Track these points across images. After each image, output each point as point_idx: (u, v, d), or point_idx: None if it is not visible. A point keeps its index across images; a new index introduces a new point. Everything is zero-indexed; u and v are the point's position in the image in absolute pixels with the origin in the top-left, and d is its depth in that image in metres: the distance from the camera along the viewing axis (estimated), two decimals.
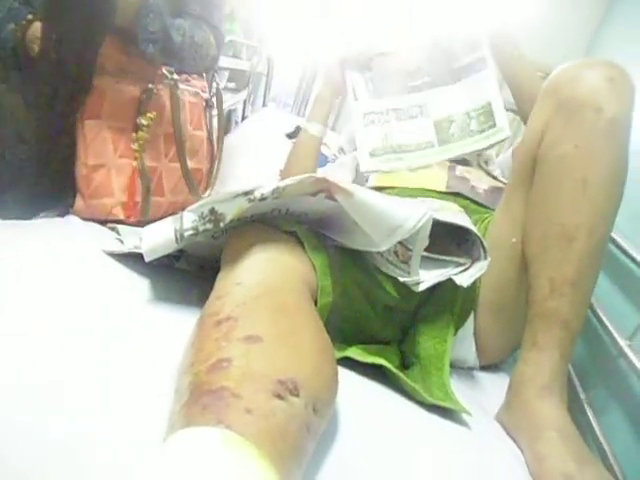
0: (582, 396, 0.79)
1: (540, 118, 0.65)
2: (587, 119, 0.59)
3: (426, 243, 0.58)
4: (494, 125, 0.88)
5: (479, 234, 0.63)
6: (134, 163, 0.92)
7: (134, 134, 0.91)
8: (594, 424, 0.74)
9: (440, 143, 0.92)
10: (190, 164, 1.02)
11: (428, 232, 0.57)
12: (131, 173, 0.91)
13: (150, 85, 0.89)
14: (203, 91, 1.09)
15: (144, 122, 0.91)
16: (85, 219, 0.87)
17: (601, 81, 0.59)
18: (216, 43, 1.04)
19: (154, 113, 0.92)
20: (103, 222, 0.88)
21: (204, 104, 1.09)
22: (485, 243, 0.64)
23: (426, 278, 0.64)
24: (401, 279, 0.62)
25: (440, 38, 0.94)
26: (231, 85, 1.80)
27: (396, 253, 0.61)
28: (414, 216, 0.54)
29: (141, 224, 0.91)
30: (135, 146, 0.91)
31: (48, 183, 0.86)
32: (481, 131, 0.89)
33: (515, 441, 0.58)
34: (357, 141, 0.96)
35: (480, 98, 0.89)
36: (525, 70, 0.91)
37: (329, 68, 1.02)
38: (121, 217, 0.89)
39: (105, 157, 0.88)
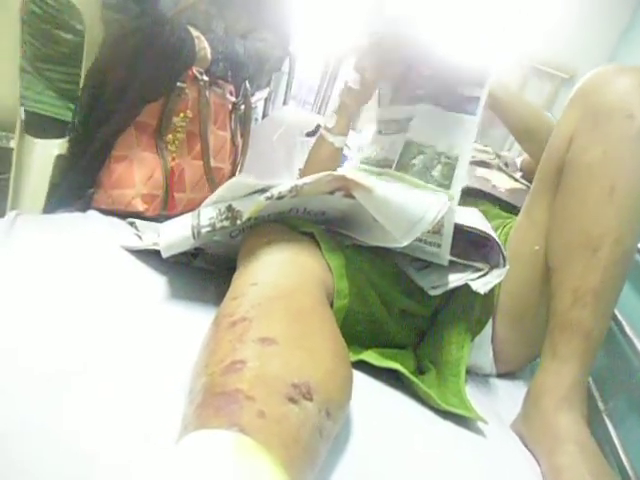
0: (601, 407, 0.78)
1: (568, 124, 0.64)
2: (617, 126, 0.58)
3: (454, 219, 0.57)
4: (448, 187, 0.75)
5: (499, 240, 0.62)
6: (170, 163, 0.93)
7: (170, 135, 0.92)
8: (613, 436, 0.72)
9: (397, 166, 0.82)
10: (212, 163, 1.04)
11: (453, 217, 0.56)
12: (154, 166, 0.92)
13: (179, 84, 0.90)
14: (231, 94, 1.10)
15: (182, 123, 0.93)
16: (104, 210, 0.88)
17: (633, 87, 0.58)
18: (281, 44, 1.12)
19: (188, 112, 0.93)
20: (122, 216, 0.89)
21: (230, 107, 1.10)
22: (504, 250, 0.62)
23: (443, 282, 0.63)
24: (429, 256, 0.62)
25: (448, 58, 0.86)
26: None
27: None
28: (434, 208, 0.53)
29: (160, 218, 0.92)
30: (172, 147, 0.93)
31: (79, 175, 0.89)
32: (439, 184, 0.77)
33: (532, 452, 0.57)
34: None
35: (455, 145, 0.78)
36: (515, 105, 0.89)
37: (366, 81, 0.92)
38: (140, 209, 0.90)
39: (128, 150, 0.89)
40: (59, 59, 0.91)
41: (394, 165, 0.81)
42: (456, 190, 0.75)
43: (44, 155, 0.87)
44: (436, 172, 0.78)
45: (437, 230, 0.59)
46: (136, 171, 0.90)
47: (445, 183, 0.77)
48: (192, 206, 1.00)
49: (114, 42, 0.83)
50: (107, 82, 0.83)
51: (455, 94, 0.80)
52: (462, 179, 0.75)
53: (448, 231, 0.58)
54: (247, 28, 1.06)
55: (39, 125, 0.92)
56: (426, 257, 0.64)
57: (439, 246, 0.61)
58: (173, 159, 0.94)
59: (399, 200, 0.54)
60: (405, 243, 0.54)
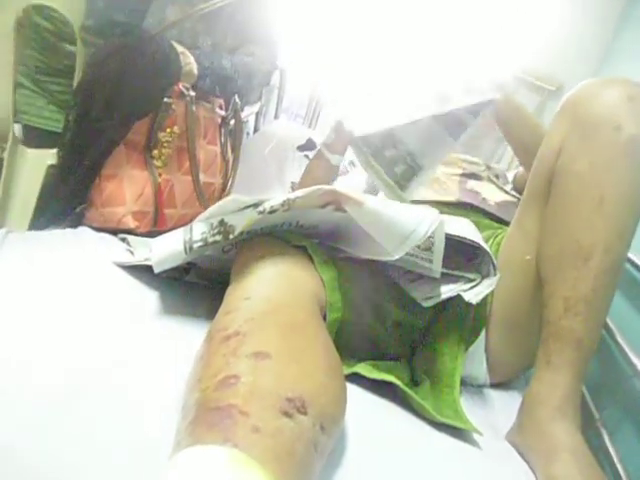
0: (596, 416, 0.78)
1: (557, 135, 0.65)
2: (605, 137, 0.59)
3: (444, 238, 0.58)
4: (404, 189, 0.79)
5: (489, 250, 0.62)
6: (158, 178, 0.93)
7: (155, 151, 0.92)
8: (608, 445, 0.72)
9: (373, 152, 0.88)
10: (202, 177, 1.03)
11: (444, 231, 0.56)
12: (143, 183, 0.92)
13: (166, 100, 0.90)
14: (220, 108, 1.10)
15: (168, 139, 0.92)
16: (97, 228, 0.88)
17: (620, 99, 0.59)
18: (269, 58, 1.13)
19: (175, 127, 0.93)
20: (114, 232, 0.89)
21: (219, 121, 1.11)
22: (494, 259, 0.63)
23: (435, 293, 0.63)
24: (421, 269, 0.62)
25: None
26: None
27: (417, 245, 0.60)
28: (426, 221, 0.53)
29: (151, 235, 0.92)
30: (158, 163, 0.92)
31: (69, 193, 0.88)
32: (397, 183, 0.81)
33: (527, 462, 0.57)
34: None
35: (426, 155, 0.80)
36: (525, 126, 0.89)
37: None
38: (131, 226, 0.90)
39: (118, 168, 0.89)
40: (61, 71, 0.92)
41: (370, 151, 0.86)
42: (410, 194, 0.78)
43: (36, 165, 0.89)
44: (398, 169, 0.83)
45: (428, 247, 0.59)
46: (126, 189, 0.90)
47: (402, 183, 0.80)
48: (184, 222, 1.00)
49: (99, 60, 0.83)
50: (94, 100, 0.84)
51: (450, 113, 0.81)
52: (418, 188, 0.77)
53: (439, 247, 0.59)
54: (235, 44, 1.07)
55: (36, 137, 0.92)
56: (418, 270, 0.64)
57: (430, 261, 0.61)
58: (160, 175, 0.94)
59: (390, 214, 0.54)
60: (397, 256, 0.55)
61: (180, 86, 0.93)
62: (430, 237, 0.57)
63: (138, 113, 0.88)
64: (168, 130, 0.92)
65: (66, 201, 0.88)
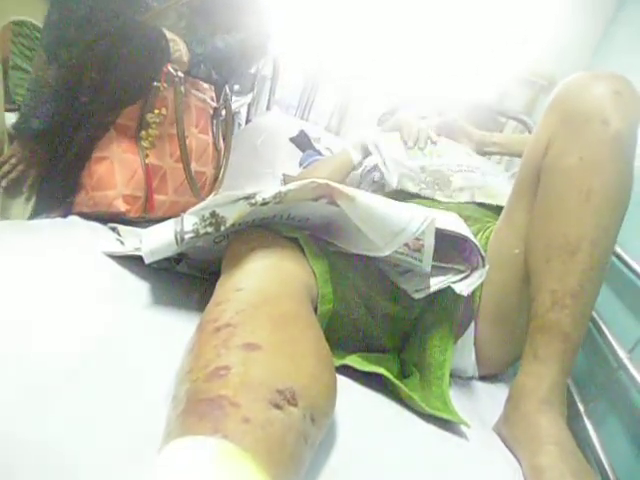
0: (581, 408, 0.79)
1: (546, 129, 0.65)
2: (593, 132, 0.59)
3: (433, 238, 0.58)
4: None
5: (477, 242, 0.63)
6: (145, 160, 0.92)
7: (143, 132, 0.91)
8: (593, 437, 0.73)
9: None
10: (194, 166, 1.02)
11: (434, 230, 0.57)
12: (135, 167, 0.91)
13: (155, 83, 0.89)
14: (212, 100, 1.09)
15: (155, 120, 0.91)
16: (86, 213, 0.87)
17: (607, 94, 0.59)
18: (264, 30, 1.13)
19: (163, 109, 0.92)
20: (104, 219, 0.88)
21: (211, 111, 1.10)
22: (482, 251, 0.63)
23: (426, 285, 0.63)
24: (411, 266, 0.62)
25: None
26: (236, 88, 1.80)
27: (407, 245, 0.60)
28: (417, 219, 0.54)
29: (142, 221, 0.92)
30: (146, 143, 0.91)
31: (59, 181, 0.88)
32: None
33: (513, 453, 0.58)
34: None
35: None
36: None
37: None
38: (122, 209, 0.89)
39: (109, 151, 0.88)
40: None
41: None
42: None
43: None
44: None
45: (418, 249, 0.60)
46: (117, 172, 0.89)
47: None
48: (175, 208, 1.00)
49: (86, 45, 0.82)
50: (82, 85, 0.83)
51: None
52: None
53: (428, 248, 0.59)
54: (229, 26, 1.05)
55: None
56: (408, 266, 0.65)
57: (420, 261, 0.62)
58: (147, 156, 0.93)
59: (382, 210, 0.54)
60: (387, 252, 0.55)
61: (169, 67, 0.92)
62: (419, 239, 0.57)
63: (126, 99, 0.87)
64: (156, 111, 0.92)
65: (56, 189, 0.87)
